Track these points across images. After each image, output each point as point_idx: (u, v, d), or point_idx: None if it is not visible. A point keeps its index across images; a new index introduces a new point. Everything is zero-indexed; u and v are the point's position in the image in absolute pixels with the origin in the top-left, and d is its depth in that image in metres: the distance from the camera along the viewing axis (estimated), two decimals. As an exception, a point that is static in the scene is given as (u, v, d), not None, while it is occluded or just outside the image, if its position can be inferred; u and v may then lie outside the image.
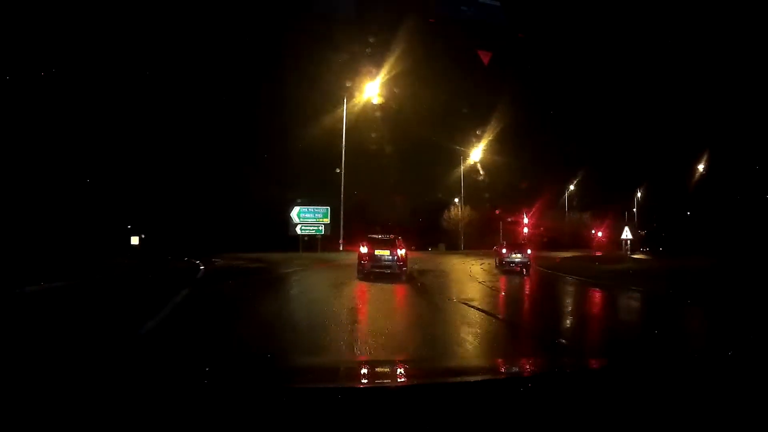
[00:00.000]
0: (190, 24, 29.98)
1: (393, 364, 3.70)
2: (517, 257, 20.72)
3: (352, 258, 19.54)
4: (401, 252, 15.38)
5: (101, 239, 32.60)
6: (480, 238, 48.76)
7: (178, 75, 37.39)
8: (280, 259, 24.87)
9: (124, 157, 35.70)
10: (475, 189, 48.52)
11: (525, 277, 18.90)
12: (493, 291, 13.93)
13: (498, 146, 43.64)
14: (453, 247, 47.81)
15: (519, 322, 9.39)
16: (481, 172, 45.67)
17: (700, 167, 35.26)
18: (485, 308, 9.86)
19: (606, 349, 6.89)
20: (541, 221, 48.74)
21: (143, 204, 39.12)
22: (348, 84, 31.74)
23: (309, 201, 34.53)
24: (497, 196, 47.84)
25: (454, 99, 40.79)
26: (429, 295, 12.76)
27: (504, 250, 21.43)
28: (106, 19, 25.15)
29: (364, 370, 3.22)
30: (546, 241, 43.64)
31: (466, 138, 44.56)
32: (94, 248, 28.33)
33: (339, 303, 10.22)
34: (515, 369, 3.20)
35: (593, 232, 51.89)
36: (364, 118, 34.67)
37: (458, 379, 2.67)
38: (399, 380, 2.62)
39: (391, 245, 15.41)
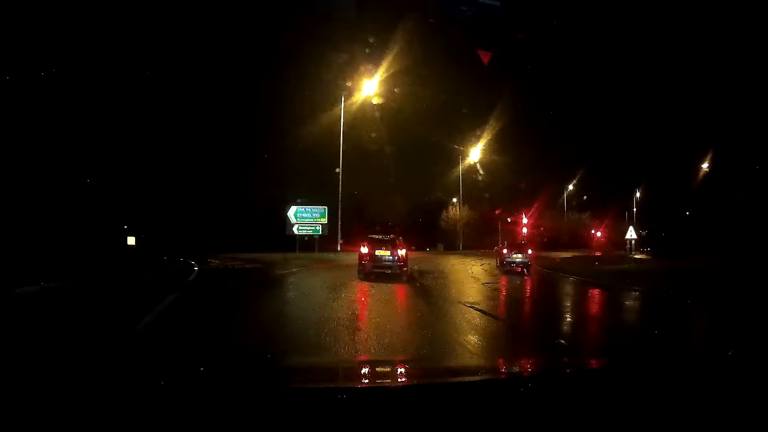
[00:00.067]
0: (187, 22, 29.68)
1: (393, 364, 3.69)
2: (517, 257, 20.72)
3: (351, 258, 19.55)
4: (402, 252, 15.40)
5: (98, 239, 32.41)
6: (478, 238, 48.68)
7: (175, 74, 37.13)
8: (277, 260, 24.45)
9: (121, 157, 35.46)
10: (473, 189, 48.46)
11: (526, 278, 18.84)
12: (497, 292, 13.90)
13: (497, 146, 43.67)
14: (451, 248, 47.61)
15: (529, 325, 9.28)
16: (481, 172, 45.57)
17: (701, 167, 35.12)
18: (490, 311, 9.77)
19: (612, 349, 6.79)
20: (540, 221, 48.70)
21: (140, 204, 38.87)
22: (347, 84, 31.58)
23: (309, 201, 34.23)
24: (496, 196, 47.84)
25: (453, 99, 40.74)
26: (432, 298, 12.49)
27: (505, 251, 21.48)
28: (102, 16, 24.87)
29: (363, 370, 3.20)
30: (545, 241, 43.55)
31: (466, 138, 44.55)
32: (91, 248, 28.16)
33: (338, 306, 9.75)
34: (517, 369, 3.17)
35: (592, 232, 51.97)
36: (363, 117, 34.56)
37: (459, 379, 2.67)
38: (399, 380, 2.61)
39: (391, 245, 15.45)
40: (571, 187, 56.34)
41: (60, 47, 24.37)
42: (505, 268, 20.83)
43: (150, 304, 8.80)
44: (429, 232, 47.94)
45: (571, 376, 2.55)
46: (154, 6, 26.00)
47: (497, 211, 46.98)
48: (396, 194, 44.41)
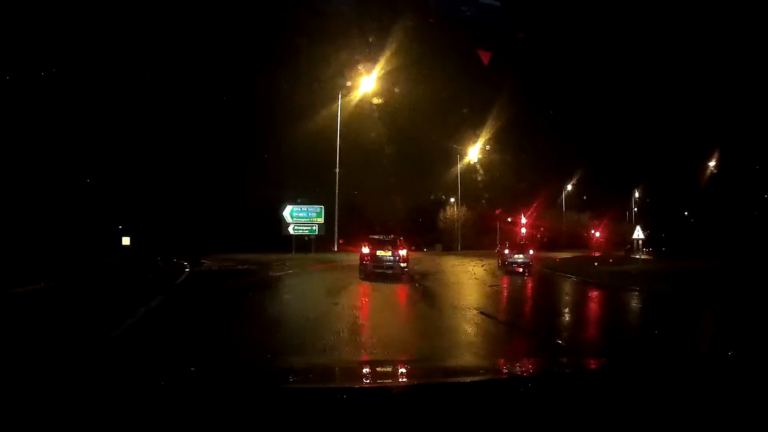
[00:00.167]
0: (181, 19, 29.15)
1: (392, 364, 3.69)
2: (519, 258, 20.83)
3: (350, 259, 19.56)
4: (403, 252, 15.65)
5: (93, 240, 31.96)
6: (477, 239, 48.35)
7: (169, 72, 36.48)
8: (272, 261, 23.77)
9: (115, 156, 34.96)
10: (472, 189, 47.97)
11: (528, 278, 18.88)
12: (500, 293, 13.88)
13: (496, 146, 43.41)
14: (449, 248, 47.20)
15: (531, 326, 9.14)
16: (481, 172, 45.18)
17: (702, 167, 34.91)
18: (494, 312, 9.68)
19: (612, 349, 6.76)
20: (539, 221, 48.38)
21: (135, 204, 38.40)
22: (346, 83, 31.30)
23: (307, 201, 33.77)
24: (495, 195, 47.36)
25: (453, 99, 40.25)
26: (436, 301, 12.06)
27: (506, 251, 21.62)
28: (94, 12, 24.34)
29: (362, 370, 3.17)
30: (545, 241, 43.21)
31: (465, 138, 44.24)
32: (86, 248, 27.72)
33: (338, 314, 9.00)
34: (519, 369, 3.13)
35: (592, 232, 51.87)
36: (362, 117, 34.16)
37: (459, 379, 2.65)
38: (399, 380, 2.61)
39: (392, 246, 15.80)
40: (570, 187, 56.22)
41: (52, 43, 23.87)
42: (507, 268, 20.82)
43: (125, 311, 8.18)
44: (427, 233, 47.48)
45: (571, 376, 2.55)
46: (146, 3, 25.59)
47: (497, 211, 46.69)
48: (394, 194, 44.05)
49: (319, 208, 33.79)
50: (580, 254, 36.01)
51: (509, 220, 46.14)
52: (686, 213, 36.55)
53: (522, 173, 48.74)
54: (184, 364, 2.74)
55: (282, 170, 39.73)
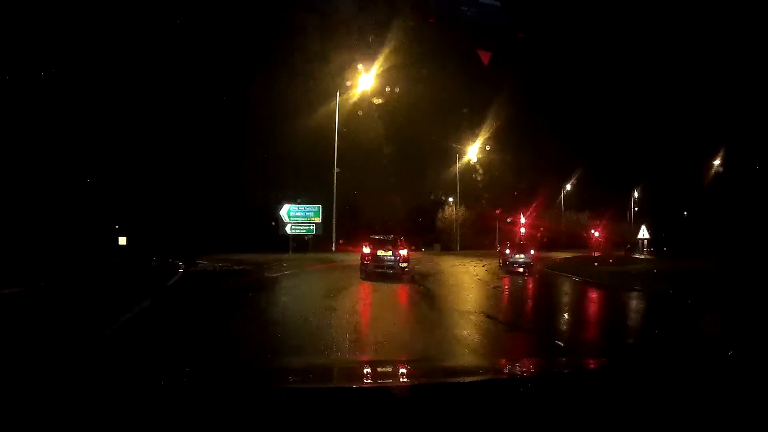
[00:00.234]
0: (179, 18, 28.77)
1: (392, 364, 3.68)
2: (520, 258, 20.92)
3: (348, 259, 19.56)
4: (403, 252, 15.80)
5: (89, 239, 31.65)
6: (476, 238, 48.12)
7: (167, 71, 36.10)
8: (268, 261, 23.30)
9: (111, 155, 34.62)
10: (471, 189, 47.72)
11: (530, 278, 18.94)
12: (503, 294, 13.90)
13: (496, 146, 43.40)
14: (447, 248, 46.92)
15: (534, 326, 9.14)
16: (480, 172, 44.96)
17: (702, 166, 34.80)
18: (497, 313, 9.72)
19: (615, 349, 6.78)
20: (538, 221, 48.17)
21: (131, 203, 38.06)
22: (346, 83, 31.21)
23: (307, 200, 33.41)
24: (494, 195, 47.19)
25: (453, 99, 40.07)
26: (440, 304, 11.73)
27: (507, 251, 21.73)
28: (90, 10, 23.97)
29: (363, 370, 3.16)
30: (545, 241, 42.99)
31: (464, 137, 44.25)
32: (84, 249, 27.45)
33: (342, 315, 8.73)
34: (521, 370, 3.08)
35: (591, 232, 51.76)
36: (361, 117, 33.95)
37: (459, 379, 2.64)
38: (398, 380, 2.58)
39: (393, 245, 15.92)
40: (569, 186, 56.11)
41: (47, 43, 23.54)
42: (508, 268, 20.98)
43: (106, 317, 7.71)
44: (425, 233, 47.19)
45: (571, 376, 2.57)
46: (143, 2, 25.25)
47: (497, 211, 46.47)
48: (394, 194, 43.76)
49: (317, 208, 33.37)
50: (579, 254, 35.98)
51: (508, 220, 45.98)
52: (686, 213, 36.51)
53: (521, 173, 48.73)
54: (166, 372, 2.56)
55: (280, 170, 39.53)
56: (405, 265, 15.58)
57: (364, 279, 14.97)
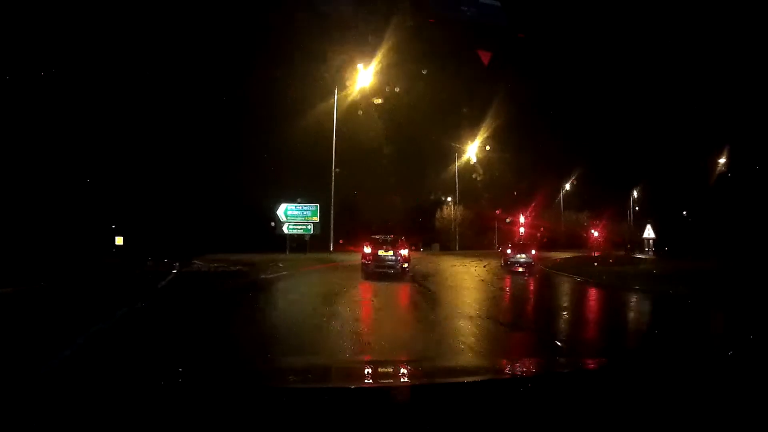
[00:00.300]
0: (177, 16, 28.65)
1: (392, 364, 3.67)
2: (521, 258, 21.19)
3: (347, 259, 19.57)
4: (404, 252, 15.91)
5: (86, 239, 31.49)
6: (475, 238, 48.04)
7: (164, 70, 35.96)
8: (265, 261, 22.92)
9: (108, 154, 34.45)
10: (471, 188, 47.66)
11: (532, 278, 19.02)
12: (506, 294, 13.93)
13: (496, 145, 43.41)
14: (446, 248, 46.80)
15: (535, 327, 9.02)
16: (480, 171, 44.91)
17: (702, 166, 34.74)
18: (503, 318, 9.59)
19: (615, 349, 6.77)
20: (538, 221, 48.07)
21: (128, 203, 37.91)
22: (345, 82, 31.25)
23: (306, 200, 33.27)
24: (493, 195, 47.11)
25: (452, 98, 40.07)
26: (441, 304, 11.60)
27: (509, 251, 22.02)
28: (86, 9, 23.84)
29: (363, 370, 3.16)
30: (545, 241, 42.88)
31: (464, 137, 44.26)
32: (79, 248, 27.27)
33: (339, 318, 8.48)
34: (523, 370, 3.08)
35: (591, 232, 51.75)
36: (360, 116, 33.91)
37: (459, 379, 2.64)
38: (399, 380, 2.57)
39: (393, 245, 16.00)
40: (568, 186, 56.04)
41: (43, 42, 23.39)
42: (510, 268, 21.14)
43: (85, 323, 7.33)
44: (424, 233, 47.08)
45: (571, 376, 2.57)
46: (140, 2, 25.15)
47: (497, 211, 46.32)
48: (393, 194, 43.66)
49: (315, 207, 33.16)
50: (579, 254, 35.91)
51: (508, 219, 45.80)
52: (686, 213, 36.44)
53: (521, 173, 48.62)
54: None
55: (279, 169, 39.30)
56: (406, 265, 15.65)
57: (365, 279, 14.99)
